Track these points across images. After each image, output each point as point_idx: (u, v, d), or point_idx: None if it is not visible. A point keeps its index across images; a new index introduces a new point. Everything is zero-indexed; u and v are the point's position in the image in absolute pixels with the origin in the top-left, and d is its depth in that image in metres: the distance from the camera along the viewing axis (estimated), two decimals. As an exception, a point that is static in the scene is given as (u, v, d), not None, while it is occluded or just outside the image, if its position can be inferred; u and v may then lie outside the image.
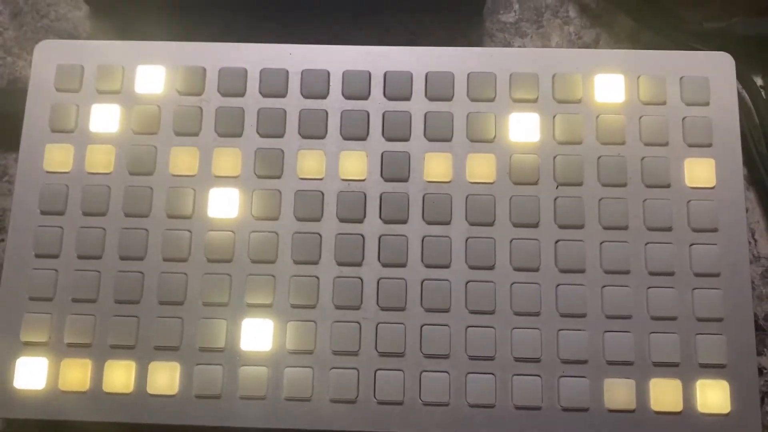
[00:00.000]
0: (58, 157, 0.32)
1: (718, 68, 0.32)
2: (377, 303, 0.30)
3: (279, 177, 0.32)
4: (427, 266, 0.31)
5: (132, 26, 0.36)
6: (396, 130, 0.32)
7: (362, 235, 0.31)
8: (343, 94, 0.32)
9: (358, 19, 0.36)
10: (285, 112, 0.32)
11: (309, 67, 0.32)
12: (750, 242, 0.33)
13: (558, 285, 0.30)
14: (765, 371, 0.32)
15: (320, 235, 0.31)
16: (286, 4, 0.35)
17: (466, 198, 0.31)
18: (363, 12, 0.36)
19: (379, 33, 0.35)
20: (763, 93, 0.34)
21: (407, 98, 0.32)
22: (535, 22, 0.35)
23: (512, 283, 0.30)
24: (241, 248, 0.31)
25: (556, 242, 0.31)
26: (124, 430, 0.30)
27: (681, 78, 0.32)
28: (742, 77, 0.33)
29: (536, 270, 0.31)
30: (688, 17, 0.35)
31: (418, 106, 0.32)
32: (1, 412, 0.30)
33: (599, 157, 0.31)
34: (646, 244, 0.31)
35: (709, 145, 0.31)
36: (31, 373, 0.30)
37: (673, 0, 0.35)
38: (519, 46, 0.35)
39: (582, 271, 0.30)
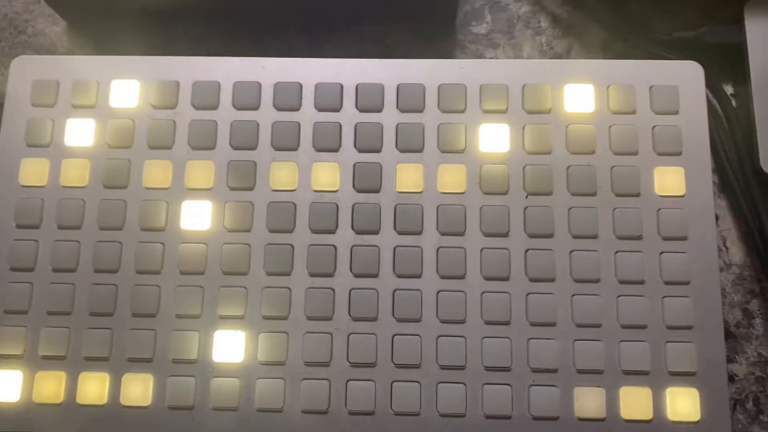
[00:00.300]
0: (33, 172, 0.32)
1: (687, 77, 0.32)
2: (349, 313, 0.31)
3: (252, 189, 0.32)
4: (399, 276, 0.31)
5: (108, 41, 0.36)
6: (368, 141, 0.32)
7: (334, 246, 0.31)
8: (315, 107, 0.33)
9: (332, 32, 0.36)
10: (258, 124, 0.32)
11: (281, 80, 0.33)
12: (721, 249, 0.33)
13: (528, 294, 0.30)
14: (737, 378, 0.32)
15: (292, 246, 0.31)
16: (259, 17, 0.36)
17: (437, 208, 0.31)
18: (336, 25, 0.36)
19: (352, 45, 0.36)
20: (732, 101, 0.34)
21: (379, 110, 0.32)
22: (507, 33, 0.36)
23: (483, 293, 0.31)
24: (213, 260, 0.31)
25: (526, 251, 0.31)
26: (98, 442, 0.30)
27: (650, 87, 0.32)
28: (712, 86, 0.33)
29: (506, 279, 0.31)
30: (658, 27, 0.35)
31: (389, 117, 0.32)
32: (-25, 425, 0.30)
33: (569, 167, 0.32)
34: (615, 253, 0.31)
35: (679, 154, 0.32)
36: (5, 386, 0.30)
37: (644, 10, 0.35)
38: (491, 57, 0.35)
39: (552, 280, 0.31)
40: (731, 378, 0.32)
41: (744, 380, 0.32)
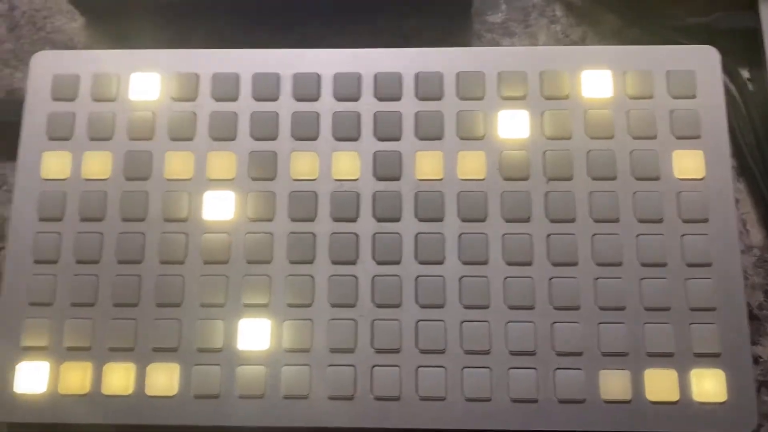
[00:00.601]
0: (55, 165, 0.32)
1: (703, 61, 0.33)
2: (372, 300, 0.31)
3: (273, 179, 0.32)
4: (421, 263, 0.31)
5: (126, 36, 0.37)
6: (387, 130, 0.32)
7: (356, 234, 0.31)
8: (334, 97, 0.33)
9: (348, 23, 0.36)
10: (277, 115, 0.33)
11: (300, 71, 0.33)
12: (742, 232, 0.33)
13: (551, 278, 0.31)
14: (761, 360, 0.32)
15: (314, 235, 0.31)
16: (276, 9, 0.36)
17: (458, 195, 0.32)
18: (352, 16, 0.36)
19: (368, 37, 0.36)
20: (749, 85, 0.34)
21: (398, 98, 0.33)
22: (522, 22, 0.36)
23: (505, 278, 0.31)
24: (236, 249, 0.31)
25: (548, 236, 0.31)
26: (125, 431, 0.30)
27: (667, 72, 0.32)
28: (728, 70, 0.33)
29: (529, 264, 0.31)
30: (672, 14, 0.35)
31: (408, 106, 0.33)
32: (2, 417, 0.30)
33: (588, 152, 0.32)
34: (637, 236, 0.31)
35: (698, 137, 0.32)
36: (31, 378, 0.30)
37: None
38: (507, 46, 0.36)
39: (575, 264, 0.31)
40: (755, 360, 0.32)
41: (765, 362, 0.32)
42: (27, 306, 0.31)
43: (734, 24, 0.34)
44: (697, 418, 0.29)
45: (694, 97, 0.32)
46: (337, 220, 0.32)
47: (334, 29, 0.36)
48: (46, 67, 0.33)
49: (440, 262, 0.31)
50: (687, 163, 0.32)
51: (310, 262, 0.31)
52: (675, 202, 0.31)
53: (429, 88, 0.33)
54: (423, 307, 0.31)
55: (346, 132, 0.32)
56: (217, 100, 0.33)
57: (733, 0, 0.34)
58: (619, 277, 0.30)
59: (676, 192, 0.31)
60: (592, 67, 0.33)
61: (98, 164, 0.32)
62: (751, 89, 0.34)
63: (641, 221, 0.31)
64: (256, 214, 0.32)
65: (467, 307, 0.30)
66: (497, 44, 0.36)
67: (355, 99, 0.33)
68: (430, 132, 0.32)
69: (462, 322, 0.30)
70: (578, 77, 0.33)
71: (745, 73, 0.34)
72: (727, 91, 0.33)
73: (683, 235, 0.31)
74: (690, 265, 0.31)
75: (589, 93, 0.32)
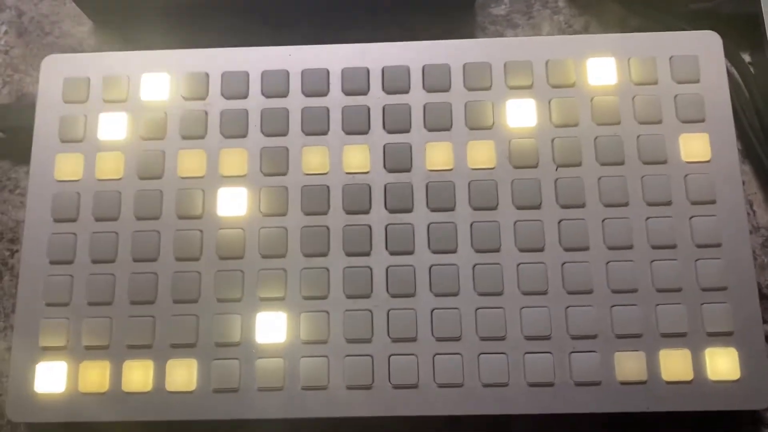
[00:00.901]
0: (68, 167, 0.33)
1: (706, 46, 0.33)
2: (387, 290, 0.31)
3: (285, 174, 0.32)
4: (434, 252, 0.31)
5: (133, 39, 0.37)
6: (396, 122, 0.33)
7: (369, 226, 0.32)
8: (343, 91, 0.33)
9: (354, 20, 0.37)
10: (287, 111, 0.33)
11: (308, 67, 0.33)
12: (749, 213, 0.34)
13: (563, 263, 0.31)
14: (772, 339, 0.32)
15: (328, 228, 0.32)
16: (283, 7, 0.36)
17: (469, 184, 0.32)
18: (358, 13, 0.37)
19: (373, 33, 0.36)
20: (751, 69, 0.34)
21: (406, 91, 0.33)
22: (526, 14, 0.36)
23: (518, 264, 0.31)
24: (251, 244, 0.32)
25: (559, 222, 0.31)
26: (145, 427, 0.31)
27: (671, 58, 0.33)
28: (731, 55, 0.34)
29: (541, 250, 0.31)
30: (674, 1, 0.36)
31: (416, 98, 0.33)
32: (23, 417, 0.30)
33: (596, 138, 0.32)
34: (646, 219, 0.31)
35: (702, 121, 0.32)
36: (51, 377, 0.31)
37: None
38: (511, 36, 0.36)
39: (586, 249, 0.31)
40: (767, 338, 0.32)
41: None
42: (44, 307, 0.31)
43: (736, 9, 0.34)
44: (712, 396, 0.30)
45: (697, 81, 0.33)
46: (349, 212, 0.32)
47: (339, 27, 0.37)
48: (56, 70, 0.34)
49: (453, 251, 0.31)
50: (693, 147, 0.32)
51: (325, 254, 0.31)
52: (683, 185, 0.32)
53: (436, 80, 0.33)
54: (437, 295, 0.31)
55: (356, 126, 0.33)
56: (228, 98, 0.33)
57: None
58: (631, 260, 0.31)
59: (684, 175, 0.32)
60: (597, 54, 0.33)
61: (111, 165, 0.33)
62: (754, 72, 0.35)
63: (650, 204, 0.31)
64: (269, 209, 0.32)
65: (481, 295, 0.31)
66: (502, 36, 0.36)
67: (364, 93, 0.33)
68: (439, 123, 0.33)
69: (476, 309, 0.31)
70: (583, 65, 0.33)
71: (747, 57, 0.35)
72: (730, 75, 0.34)
73: (692, 217, 0.31)
74: (700, 246, 0.31)
75: (595, 80, 0.33)
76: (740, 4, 0.34)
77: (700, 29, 0.33)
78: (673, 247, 0.31)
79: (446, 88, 0.33)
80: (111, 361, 0.31)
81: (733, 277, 0.31)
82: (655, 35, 0.33)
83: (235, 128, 0.33)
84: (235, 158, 0.33)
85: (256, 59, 0.34)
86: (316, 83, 0.33)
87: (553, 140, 0.32)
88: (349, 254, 0.31)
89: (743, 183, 0.34)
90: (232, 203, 0.32)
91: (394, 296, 0.31)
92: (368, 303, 0.31)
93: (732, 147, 0.32)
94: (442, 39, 0.34)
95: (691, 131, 0.32)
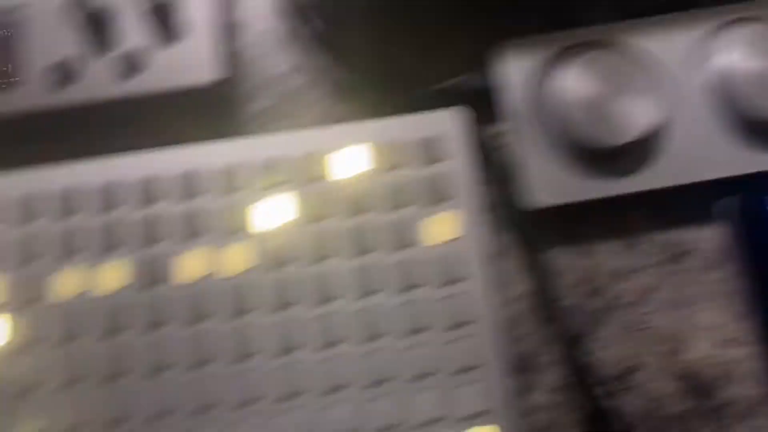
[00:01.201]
0: None
1: (452, 124, 0.34)
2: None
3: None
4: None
5: None
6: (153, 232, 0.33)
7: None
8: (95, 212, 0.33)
9: (124, 126, 0.36)
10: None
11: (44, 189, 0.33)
12: (506, 283, 0.34)
13: (322, 360, 0.31)
14: (537, 407, 0.33)
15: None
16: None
17: (228, 289, 0.32)
18: (124, 120, 0.36)
19: (148, 137, 0.36)
20: (496, 140, 0.35)
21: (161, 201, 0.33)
22: (287, 106, 0.37)
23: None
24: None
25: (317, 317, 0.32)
26: None
27: (419, 139, 0.34)
28: (475, 129, 0.35)
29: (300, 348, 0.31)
30: (426, 79, 0.36)
31: (171, 207, 0.33)
32: None
33: (351, 228, 0.33)
34: (400, 305, 0.32)
35: (452, 198, 0.33)
36: None
37: (413, 66, 0.37)
38: (273, 131, 0.36)
39: (342, 341, 0.31)
40: (532, 409, 0.32)
41: (543, 409, 0.33)
42: None
43: (477, 84, 0.35)
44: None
45: (445, 159, 0.34)
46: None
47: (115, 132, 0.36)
48: None
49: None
50: (444, 225, 0.33)
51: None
52: (436, 264, 0.32)
53: (192, 185, 0.33)
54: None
55: (109, 242, 0.33)
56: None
57: (473, 63, 0.36)
58: (384, 349, 0.31)
59: (436, 254, 0.32)
60: (350, 143, 0.34)
61: None
62: (498, 144, 0.35)
63: (402, 290, 0.32)
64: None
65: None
66: (265, 131, 0.36)
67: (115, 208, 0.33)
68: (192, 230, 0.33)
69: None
70: (335, 156, 0.34)
71: (492, 129, 0.36)
72: (477, 149, 0.34)
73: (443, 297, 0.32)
74: (450, 329, 0.31)
75: (348, 170, 0.33)
76: (483, 80, 0.35)
77: (452, 105, 0.34)
78: (429, 329, 0.31)
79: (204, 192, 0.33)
80: None
81: (487, 354, 0.31)
82: (403, 119, 0.34)
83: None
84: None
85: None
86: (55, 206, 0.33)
87: (308, 235, 0.33)
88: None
89: (499, 254, 0.34)
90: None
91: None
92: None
93: (481, 222, 0.33)
94: (205, 139, 0.34)
95: (442, 210, 0.33)
